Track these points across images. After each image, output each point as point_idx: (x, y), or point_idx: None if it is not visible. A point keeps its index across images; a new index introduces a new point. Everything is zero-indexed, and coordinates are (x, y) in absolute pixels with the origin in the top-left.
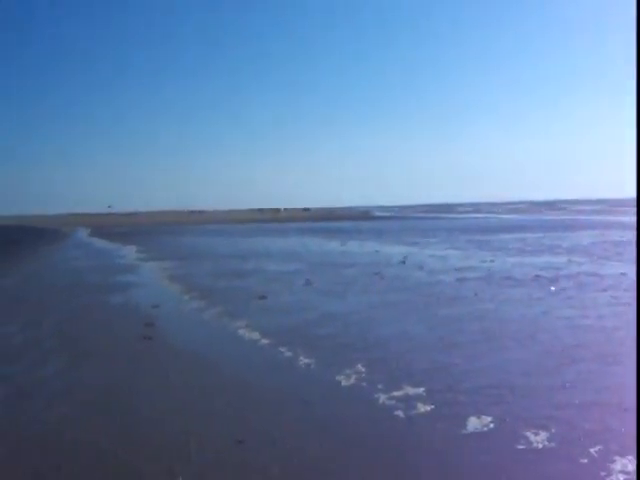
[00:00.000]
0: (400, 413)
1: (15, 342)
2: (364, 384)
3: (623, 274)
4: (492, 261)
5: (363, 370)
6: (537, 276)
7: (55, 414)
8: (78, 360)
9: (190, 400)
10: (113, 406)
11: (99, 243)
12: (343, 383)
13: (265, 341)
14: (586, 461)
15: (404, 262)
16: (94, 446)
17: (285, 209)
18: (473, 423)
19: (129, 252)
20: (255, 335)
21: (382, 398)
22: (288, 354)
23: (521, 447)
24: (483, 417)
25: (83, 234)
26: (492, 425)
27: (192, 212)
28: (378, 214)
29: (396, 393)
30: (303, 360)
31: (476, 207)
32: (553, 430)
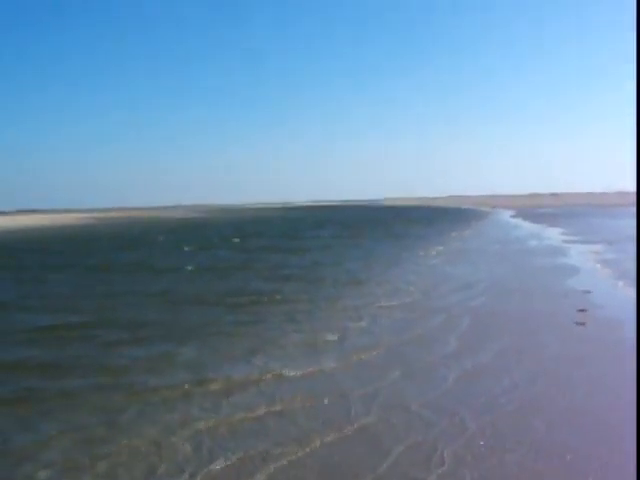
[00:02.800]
0: None
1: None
2: None
3: None
4: None
5: None
6: None
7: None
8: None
9: (629, 398)
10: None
11: (523, 224)
12: None
13: None
14: None
15: None
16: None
17: None
18: None
19: (554, 234)
20: None
21: None
22: None
23: None
24: None
25: (505, 215)
26: None
27: (617, 194)
28: None
29: None
30: None
31: None
32: None
